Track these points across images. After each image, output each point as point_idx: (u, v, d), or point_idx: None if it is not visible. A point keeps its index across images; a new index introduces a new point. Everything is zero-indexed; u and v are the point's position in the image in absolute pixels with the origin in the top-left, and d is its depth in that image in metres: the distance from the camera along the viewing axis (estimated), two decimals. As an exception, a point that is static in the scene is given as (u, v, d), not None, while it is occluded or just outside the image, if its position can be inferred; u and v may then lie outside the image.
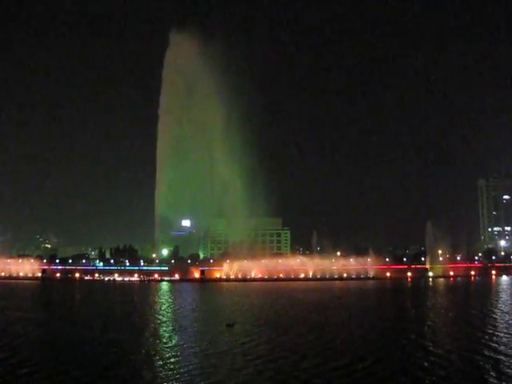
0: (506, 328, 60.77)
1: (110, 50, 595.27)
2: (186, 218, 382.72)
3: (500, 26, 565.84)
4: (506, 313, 79.25)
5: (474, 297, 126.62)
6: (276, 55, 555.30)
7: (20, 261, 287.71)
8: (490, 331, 58.02)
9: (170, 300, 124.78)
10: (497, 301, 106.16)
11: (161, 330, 62.35)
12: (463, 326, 64.21)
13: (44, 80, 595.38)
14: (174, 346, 50.13)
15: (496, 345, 48.56)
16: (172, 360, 42.87)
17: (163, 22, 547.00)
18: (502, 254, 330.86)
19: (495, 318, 71.27)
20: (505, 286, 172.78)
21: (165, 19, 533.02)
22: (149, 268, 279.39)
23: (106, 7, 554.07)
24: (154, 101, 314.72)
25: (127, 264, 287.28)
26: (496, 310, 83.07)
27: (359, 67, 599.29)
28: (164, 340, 53.99)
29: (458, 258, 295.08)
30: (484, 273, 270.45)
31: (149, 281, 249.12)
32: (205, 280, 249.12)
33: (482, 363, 40.83)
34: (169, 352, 46.37)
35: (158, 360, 43.02)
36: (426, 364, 40.74)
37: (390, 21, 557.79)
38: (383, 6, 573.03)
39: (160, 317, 79.02)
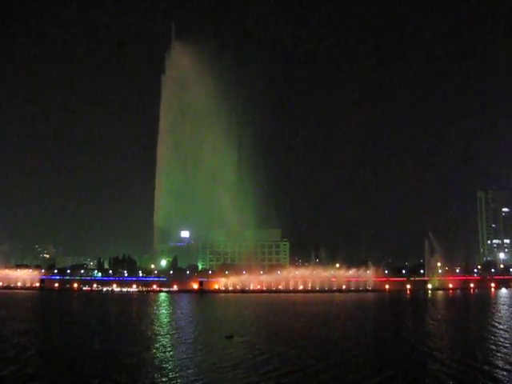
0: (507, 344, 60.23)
1: (109, 60, 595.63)
2: (185, 229, 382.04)
3: (499, 35, 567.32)
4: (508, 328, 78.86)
5: (474, 311, 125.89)
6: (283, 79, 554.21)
7: (18, 271, 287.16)
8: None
9: (168, 311, 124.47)
10: (497, 315, 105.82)
11: (161, 342, 61.93)
12: (471, 344, 63.65)
13: (42, 91, 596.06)
14: (178, 358, 49.46)
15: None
16: (178, 374, 42.40)
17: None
18: (501, 266, 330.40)
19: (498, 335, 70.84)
20: (504, 299, 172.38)
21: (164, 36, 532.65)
22: (147, 279, 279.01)
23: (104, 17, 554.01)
24: (153, 110, 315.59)
25: (126, 275, 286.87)
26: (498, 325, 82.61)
27: (354, 82, 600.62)
28: (166, 352, 53.55)
29: (457, 271, 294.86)
30: (483, 285, 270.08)
31: (147, 291, 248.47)
32: (203, 291, 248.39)
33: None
34: (173, 365, 45.93)
35: (162, 372, 42.54)
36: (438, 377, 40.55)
37: (391, 25, 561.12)
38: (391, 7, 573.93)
39: (159, 328, 78.89)
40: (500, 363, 45.74)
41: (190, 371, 42.77)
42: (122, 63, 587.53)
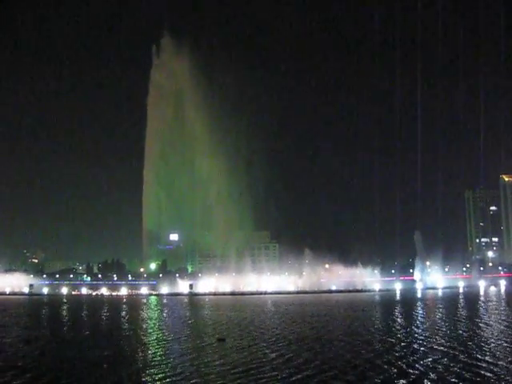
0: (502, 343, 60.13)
1: (94, 69, 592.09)
2: (174, 232, 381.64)
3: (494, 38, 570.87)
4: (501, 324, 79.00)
5: (470, 309, 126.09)
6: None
7: (6, 276, 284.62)
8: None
9: (160, 315, 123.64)
10: (495, 312, 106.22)
11: (158, 347, 61.11)
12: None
13: (34, 101, 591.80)
14: (175, 364, 48.63)
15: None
16: (180, 378, 41.74)
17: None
18: (490, 264, 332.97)
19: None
20: (494, 298, 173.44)
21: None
22: (137, 282, 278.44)
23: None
24: (141, 110, 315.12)
25: (115, 278, 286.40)
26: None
27: (346, 83, 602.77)
28: (161, 357, 52.70)
29: (447, 270, 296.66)
30: (472, 284, 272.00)
31: (137, 295, 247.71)
32: (193, 294, 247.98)
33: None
34: (170, 371, 45.12)
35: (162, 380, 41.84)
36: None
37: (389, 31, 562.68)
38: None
39: (154, 333, 78.05)
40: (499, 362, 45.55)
41: (188, 377, 42.03)
42: (109, 72, 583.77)
